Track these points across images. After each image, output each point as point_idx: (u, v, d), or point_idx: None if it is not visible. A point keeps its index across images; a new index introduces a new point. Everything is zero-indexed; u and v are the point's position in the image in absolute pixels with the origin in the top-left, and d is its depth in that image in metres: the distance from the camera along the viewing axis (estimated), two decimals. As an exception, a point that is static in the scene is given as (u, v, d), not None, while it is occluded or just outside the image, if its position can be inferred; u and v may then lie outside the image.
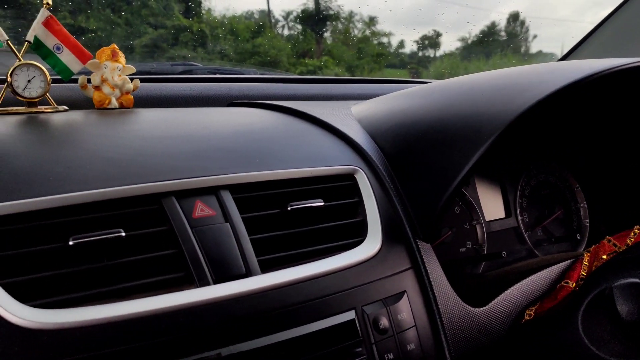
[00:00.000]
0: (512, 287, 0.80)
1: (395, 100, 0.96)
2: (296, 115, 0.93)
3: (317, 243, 0.69)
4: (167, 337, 0.53)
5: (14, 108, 0.85)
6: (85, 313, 0.51)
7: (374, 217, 0.73)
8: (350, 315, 0.63)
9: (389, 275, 0.69)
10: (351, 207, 0.75)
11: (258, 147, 0.75)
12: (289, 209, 0.68)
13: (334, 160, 0.78)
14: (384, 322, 0.65)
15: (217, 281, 0.58)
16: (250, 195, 0.67)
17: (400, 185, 0.78)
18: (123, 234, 0.57)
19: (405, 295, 0.69)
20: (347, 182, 0.76)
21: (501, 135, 0.66)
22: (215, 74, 1.38)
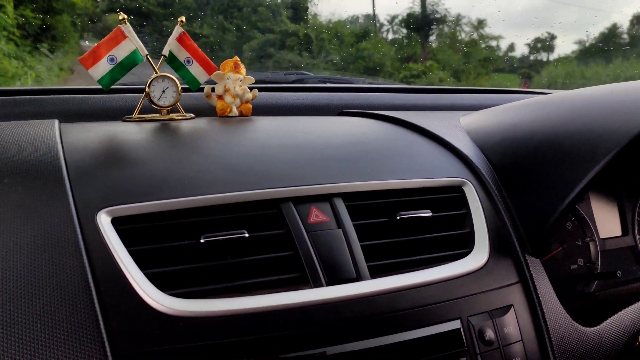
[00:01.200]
0: (626, 309, 0.77)
1: (506, 113, 0.96)
2: (405, 126, 0.96)
3: (424, 252, 0.71)
4: (283, 331, 0.57)
5: (150, 115, 0.95)
6: (215, 304, 0.56)
7: (481, 229, 0.74)
8: (455, 324, 0.65)
9: (496, 288, 0.70)
10: (458, 218, 0.76)
11: (369, 157, 0.79)
12: (397, 218, 0.71)
13: (442, 172, 0.79)
14: (490, 334, 0.66)
15: (329, 283, 0.62)
16: (362, 204, 0.71)
17: (509, 198, 0.78)
18: (246, 235, 0.62)
19: (512, 309, 0.69)
20: (455, 193, 0.78)
21: (620, 152, 0.65)
22: (325, 82, 1.43)
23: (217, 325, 0.55)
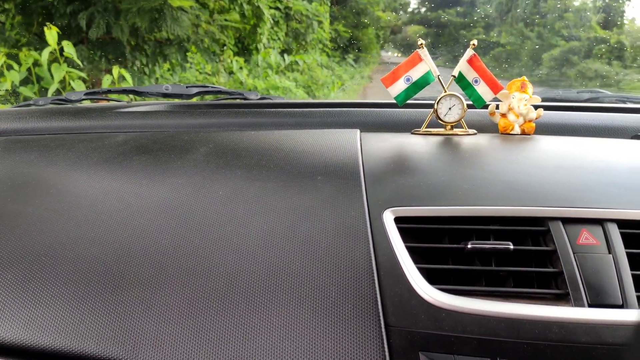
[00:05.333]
0: None
1: None
2: None
3: None
4: (538, 342, 0.60)
5: (435, 130, 1.06)
6: (476, 304, 0.63)
7: None
8: None
9: None
10: None
11: None
12: None
13: None
14: None
15: (591, 305, 0.63)
16: (637, 232, 0.68)
17: None
18: (511, 247, 0.67)
19: None
20: None
21: None
22: (625, 102, 1.34)
23: (475, 322, 0.61)
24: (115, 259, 0.67)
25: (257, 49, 7.44)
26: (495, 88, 1.06)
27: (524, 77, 1.06)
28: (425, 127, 1.06)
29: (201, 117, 1.18)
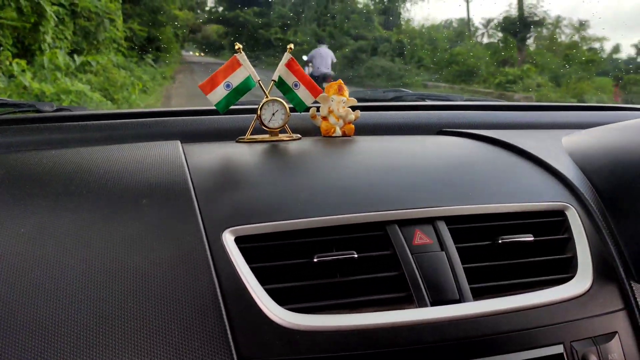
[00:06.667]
0: None
1: (610, 134, 0.94)
2: (506, 148, 0.97)
3: (525, 276, 0.72)
4: (391, 348, 0.61)
5: (260, 136, 1.03)
6: (329, 320, 0.62)
7: (584, 254, 0.74)
8: (558, 349, 0.66)
9: (600, 314, 0.70)
10: (560, 242, 0.77)
11: (470, 180, 0.81)
12: (499, 242, 0.73)
13: (544, 196, 0.80)
14: None
15: (433, 304, 0.66)
16: (464, 227, 0.74)
17: (614, 224, 0.77)
18: (355, 256, 0.67)
19: (616, 336, 0.69)
20: (556, 217, 0.78)
21: None
22: (424, 99, 1.46)
23: (329, 339, 0.60)
24: None
25: (40, 50, 6.71)
26: (314, 91, 1.07)
27: (340, 80, 1.08)
28: (250, 134, 1.03)
29: None
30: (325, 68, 8.44)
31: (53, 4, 6.87)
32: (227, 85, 1.00)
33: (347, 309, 0.65)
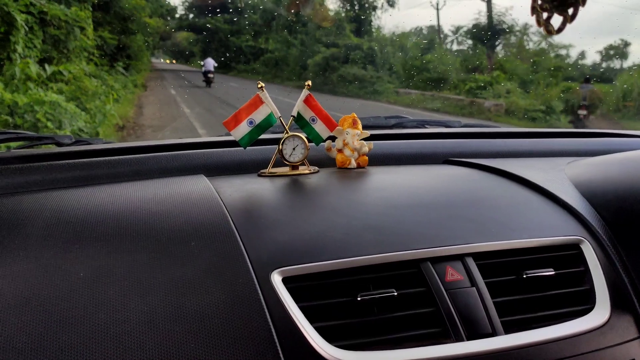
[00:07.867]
0: None
1: (614, 167, 1.01)
2: (514, 180, 1.03)
3: (548, 308, 0.78)
4: None
5: (281, 170, 1.07)
6: (376, 356, 0.66)
7: (601, 286, 0.81)
8: None
9: (619, 343, 0.76)
10: (577, 275, 0.83)
11: (491, 217, 0.87)
12: (524, 276, 0.79)
13: (558, 229, 0.86)
14: None
15: (469, 338, 0.71)
16: (490, 262, 0.79)
17: (625, 255, 0.84)
18: (395, 293, 0.72)
19: None
20: (572, 251, 0.85)
21: None
22: (424, 125, 1.52)
23: None
24: None
25: (9, 59, 6.58)
26: (331, 126, 1.11)
27: (354, 114, 1.13)
28: (271, 168, 1.07)
29: (9, 176, 0.99)
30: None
31: (22, 12, 6.74)
32: (250, 122, 1.04)
33: (390, 345, 0.70)
